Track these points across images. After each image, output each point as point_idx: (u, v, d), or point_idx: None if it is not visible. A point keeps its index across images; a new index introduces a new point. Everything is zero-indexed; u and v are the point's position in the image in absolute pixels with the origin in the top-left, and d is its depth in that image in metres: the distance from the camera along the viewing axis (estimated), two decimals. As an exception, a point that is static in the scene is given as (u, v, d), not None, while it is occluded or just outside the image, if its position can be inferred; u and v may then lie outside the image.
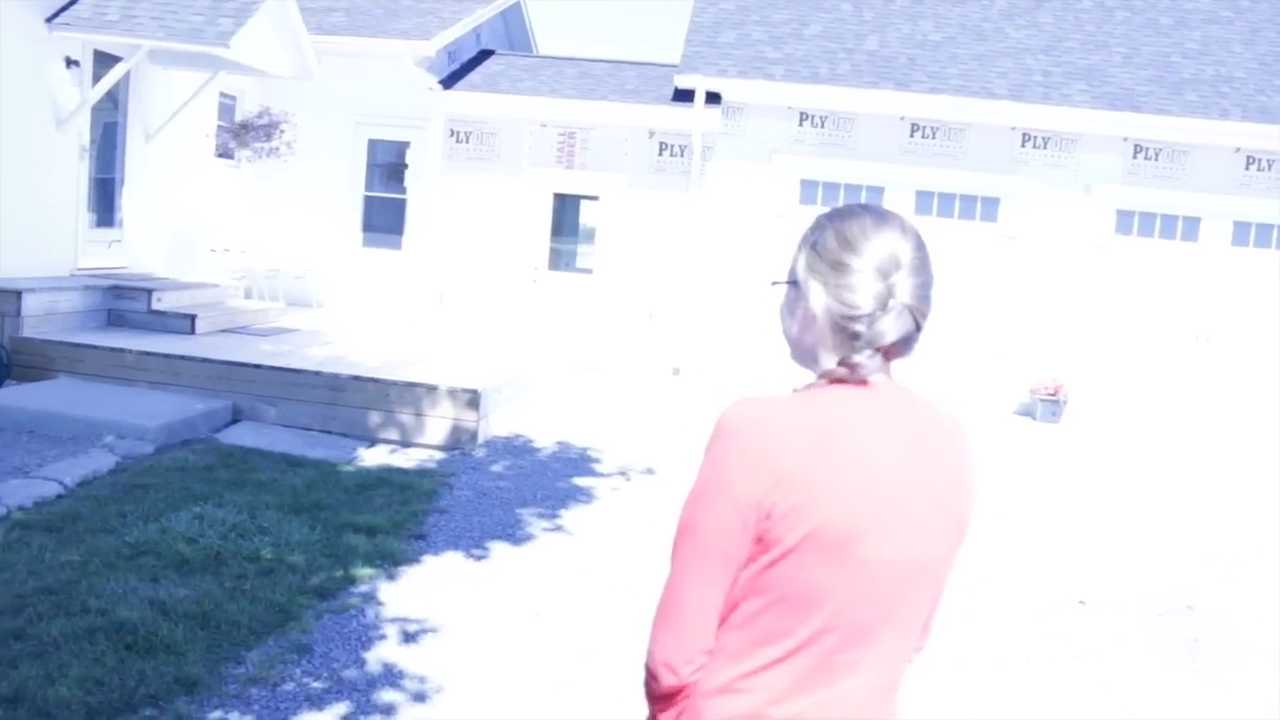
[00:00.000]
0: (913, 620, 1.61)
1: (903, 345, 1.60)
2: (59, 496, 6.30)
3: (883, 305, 1.56)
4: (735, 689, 1.52)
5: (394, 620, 4.98)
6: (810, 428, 1.51)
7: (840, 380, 1.58)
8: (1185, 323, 13.16)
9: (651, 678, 1.58)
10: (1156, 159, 13.02)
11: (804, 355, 1.70)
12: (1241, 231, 13.11)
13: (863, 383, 1.58)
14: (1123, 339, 13.17)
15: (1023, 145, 13.16)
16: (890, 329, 1.56)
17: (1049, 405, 12.63)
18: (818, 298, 1.62)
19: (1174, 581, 6.80)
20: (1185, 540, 7.86)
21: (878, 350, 1.57)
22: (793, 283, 1.69)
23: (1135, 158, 13.06)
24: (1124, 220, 13.20)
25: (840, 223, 1.63)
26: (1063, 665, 5.26)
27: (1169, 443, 11.99)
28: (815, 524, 1.46)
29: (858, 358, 1.56)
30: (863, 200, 13.23)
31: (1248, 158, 12.94)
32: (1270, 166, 12.94)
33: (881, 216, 1.63)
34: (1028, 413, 12.94)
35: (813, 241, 1.66)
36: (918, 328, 1.60)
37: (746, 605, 1.52)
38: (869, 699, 1.56)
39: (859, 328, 1.57)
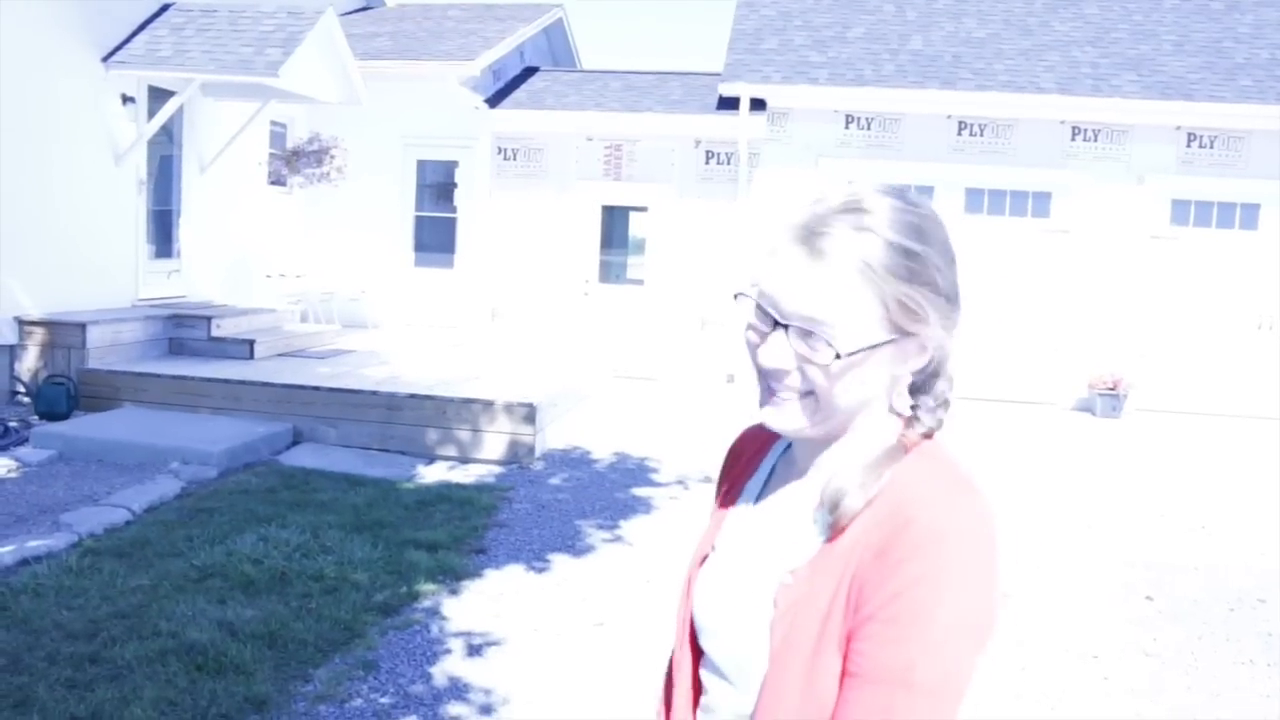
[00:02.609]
0: None
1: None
2: (128, 523, 6.44)
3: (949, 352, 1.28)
4: None
5: (458, 634, 5.02)
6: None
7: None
8: (1246, 311, 12.91)
9: None
10: (1212, 147, 12.80)
11: (840, 420, 1.25)
12: (1302, 217, 12.86)
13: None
14: (1182, 330, 12.94)
15: (1073, 139, 13.00)
16: (949, 382, 1.29)
17: (1108, 400, 12.44)
18: (935, 339, 1.24)
19: (1244, 575, 6.66)
20: (1253, 533, 7.71)
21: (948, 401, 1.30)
22: (893, 341, 1.21)
23: (1189, 146, 12.85)
24: (1180, 210, 12.98)
25: (937, 225, 1.25)
26: (1132, 662, 5.18)
27: (1232, 435, 11.76)
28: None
29: (940, 415, 1.29)
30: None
31: (1307, 141, 12.68)
32: (1330, 150, 12.67)
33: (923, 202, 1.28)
34: (1087, 408, 12.76)
35: (928, 281, 1.20)
36: None
37: None
38: None
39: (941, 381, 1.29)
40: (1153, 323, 12.94)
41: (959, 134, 13.14)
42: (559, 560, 6.20)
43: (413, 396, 8.69)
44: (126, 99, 10.59)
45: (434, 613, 5.27)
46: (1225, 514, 8.23)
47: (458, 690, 4.45)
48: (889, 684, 1.06)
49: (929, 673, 1.05)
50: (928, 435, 1.25)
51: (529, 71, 15.58)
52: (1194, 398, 12.86)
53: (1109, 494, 8.60)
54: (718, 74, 13.77)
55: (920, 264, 1.18)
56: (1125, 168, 12.91)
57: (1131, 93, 12.71)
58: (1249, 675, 5.10)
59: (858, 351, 1.17)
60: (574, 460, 8.72)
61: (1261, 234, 12.87)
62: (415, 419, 8.62)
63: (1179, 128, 12.80)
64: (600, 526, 6.90)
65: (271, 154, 13.52)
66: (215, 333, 10.37)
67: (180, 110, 11.16)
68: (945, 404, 1.27)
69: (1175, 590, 6.29)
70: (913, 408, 1.25)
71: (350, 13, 15.80)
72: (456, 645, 4.91)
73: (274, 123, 13.57)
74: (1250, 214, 12.87)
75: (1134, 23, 14.44)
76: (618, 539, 6.67)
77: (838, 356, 1.17)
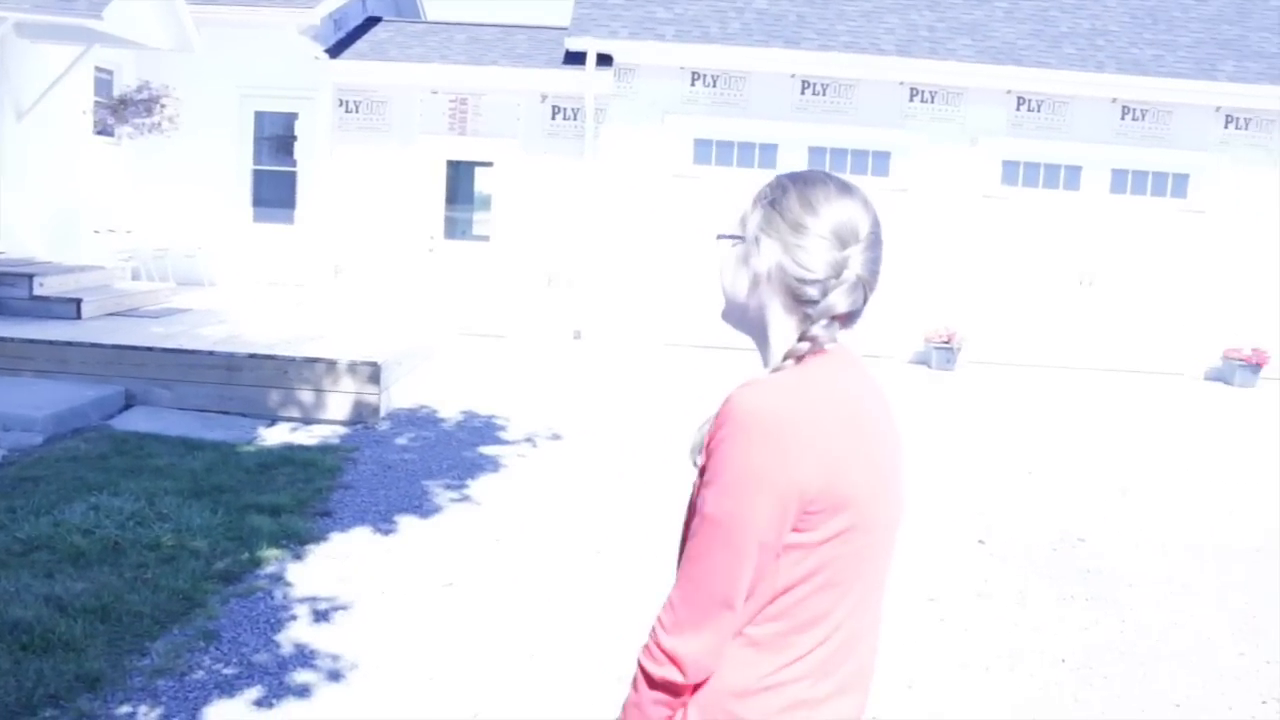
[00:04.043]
0: (888, 573, 1.68)
1: (851, 317, 1.62)
2: (-56, 494, 6.10)
3: (836, 274, 1.58)
4: (776, 683, 1.52)
5: (303, 600, 4.94)
6: (831, 405, 1.51)
7: (801, 356, 1.57)
8: (1069, 268, 13.56)
9: (675, 671, 1.50)
10: (1039, 111, 13.33)
11: (744, 316, 1.69)
12: (1119, 179, 13.53)
13: (825, 351, 1.59)
14: (1012, 286, 13.53)
15: (911, 100, 13.36)
16: (843, 300, 1.58)
17: (943, 353, 12.93)
18: (771, 255, 1.62)
19: (1066, 517, 7.05)
20: (1074, 477, 8.15)
21: (833, 320, 1.58)
22: (742, 239, 1.67)
23: (1019, 110, 13.35)
24: (1010, 171, 13.52)
25: (804, 186, 1.63)
26: (965, 603, 5.43)
27: (1058, 385, 12.37)
28: (854, 500, 1.49)
29: (817, 330, 1.57)
30: (756, 159, 13.33)
31: (1123, 108, 13.32)
32: (1144, 116, 13.34)
33: (845, 187, 1.64)
34: (923, 361, 13.24)
35: (771, 199, 1.65)
36: (865, 301, 1.62)
37: (788, 596, 1.50)
38: (873, 658, 1.66)
39: (811, 292, 1.59)
40: (985, 279, 13.47)
41: (803, 93, 13.35)
42: (406, 521, 6.15)
43: (253, 356, 8.44)
44: (-67, 41, 9.92)
45: (278, 579, 5.17)
46: (1050, 459, 8.66)
47: (304, 657, 4.39)
48: (699, 515, 1.49)
49: (717, 508, 1.46)
50: (815, 343, 1.56)
51: (371, 21, 15.17)
52: (1023, 350, 13.47)
53: (943, 444, 8.95)
54: (564, 28, 13.67)
55: (773, 198, 1.65)
56: (960, 129, 13.34)
57: (966, 56, 13.12)
58: (1070, 610, 5.41)
59: (724, 236, 1.71)
60: (420, 419, 8.63)
61: (1083, 195, 13.51)
62: (256, 379, 8.38)
63: (1009, 91, 13.28)
64: (448, 486, 6.85)
65: (98, 102, 12.84)
66: (38, 291, 9.85)
67: (-6, 54, 10.50)
68: (831, 321, 1.58)
69: (1004, 534, 6.62)
70: (807, 320, 1.59)
71: (180, -46, 15.06)
72: (302, 611, 4.82)
73: (100, 69, 12.88)
74: (1074, 175, 13.50)
75: (969, -13, 14.86)
76: (466, 499, 6.64)
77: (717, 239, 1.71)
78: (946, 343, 12.92)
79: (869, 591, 1.59)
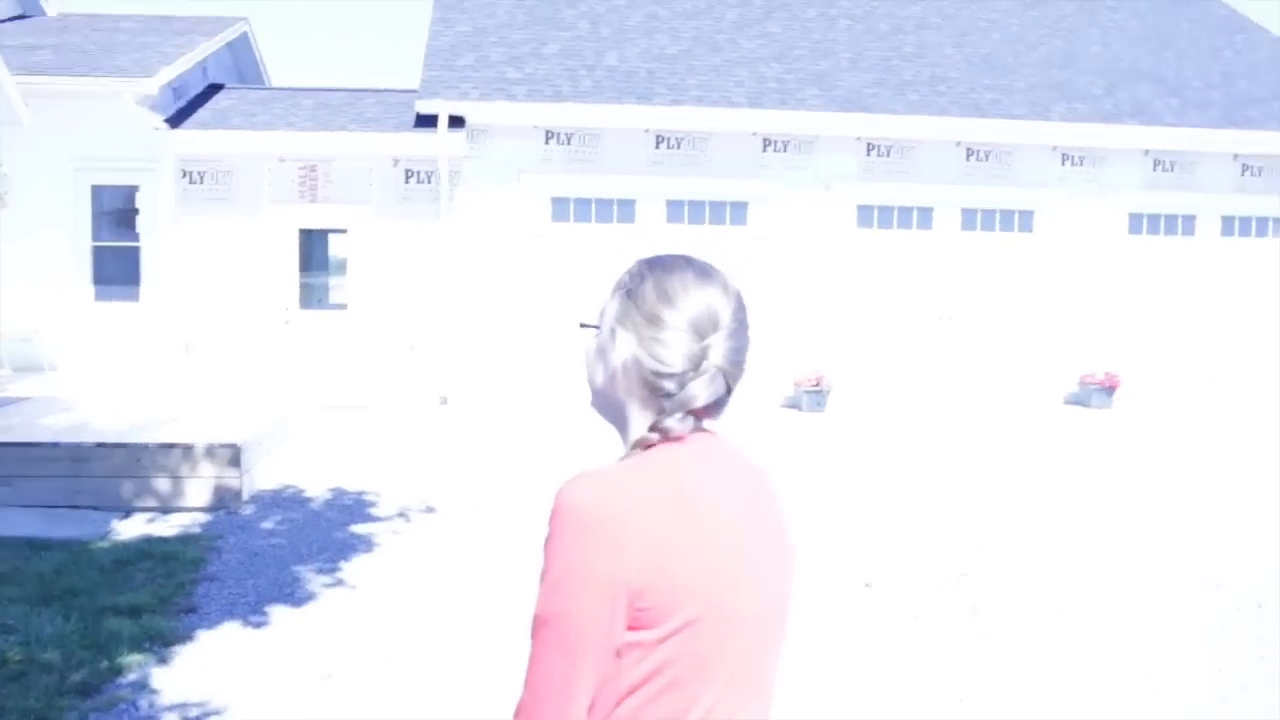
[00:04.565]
0: (776, 662, 1.56)
1: (714, 408, 1.53)
2: None
3: (695, 366, 1.49)
4: None
5: (172, 707, 4.59)
6: (662, 493, 1.41)
7: (650, 446, 1.49)
8: (929, 305, 13.91)
9: None
10: (889, 155, 13.69)
11: (608, 406, 1.61)
12: (969, 218, 13.99)
13: (682, 436, 1.49)
14: (874, 326, 13.80)
15: (764, 150, 13.56)
16: (702, 392, 1.49)
17: (814, 396, 13.06)
18: (627, 348, 1.54)
19: (949, 553, 7.11)
20: (952, 512, 8.24)
21: (689, 413, 1.49)
22: (600, 328, 1.60)
23: (869, 155, 13.69)
24: (864, 214, 13.83)
25: (661, 274, 1.55)
26: (852, 641, 5.38)
27: (927, 419, 12.60)
28: (695, 592, 1.38)
29: (669, 422, 1.48)
30: (614, 214, 13.33)
31: (968, 150, 13.80)
32: (988, 157, 13.84)
33: (704, 272, 1.56)
34: (794, 405, 13.34)
35: (628, 289, 1.58)
36: (729, 390, 1.53)
37: (635, 696, 1.39)
38: None
39: (669, 386, 1.50)
40: (849, 321, 13.72)
41: (657, 147, 13.43)
42: (278, 612, 5.81)
43: (101, 445, 7.95)
44: None
45: (142, 686, 4.79)
46: (926, 496, 8.75)
47: (174, 772, 4.06)
48: (533, 618, 1.41)
49: (545, 608, 1.38)
50: (665, 435, 1.47)
51: (213, 89, 14.75)
52: (891, 388, 13.71)
53: (821, 487, 8.97)
54: (414, 91, 13.50)
55: (630, 287, 1.57)
56: (814, 175, 13.60)
57: (815, 106, 13.41)
58: (961, 646, 5.39)
59: (585, 325, 1.63)
60: (286, 501, 8.24)
61: (936, 234, 13.91)
62: (106, 470, 7.89)
63: (859, 138, 13.61)
64: (320, 570, 6.52)
65: (-83, 182, 12.11)
66: None
67: None
68: (687, 414, 1.49)
69: (890, 573, 6.61)
70: (661, 413, 1.49)
71: (2, 21, 14.42)
72: (170, 720, 4.48)
73: (-81, 147, 12.18)
74: (925, 216, 13.90)
75: (813, 41, 15.25)
76: (340, 582, 6.32)
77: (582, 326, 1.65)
78: (816, 386, 13.06)
79: (740, 688, 1.46)
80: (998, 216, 14.03)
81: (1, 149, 12.30)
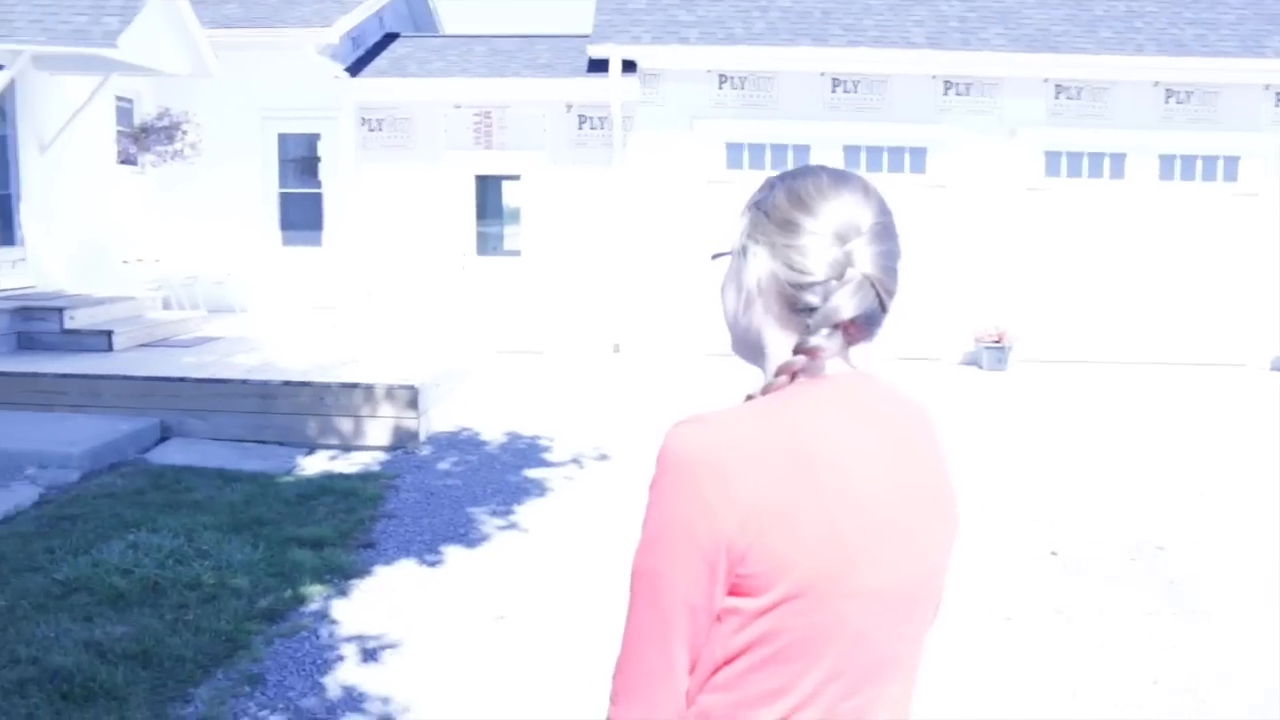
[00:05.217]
0: (918, 643, 1.39)
1: (865, 326, 1.35)
2: (-22, 537, 5.92)
3: (839, 274, 1.32)
4: None
5: (350, 639, 4.71)
6: (779, 447, 1.26)
7: (797, 373, 1.33)
8: (1120, 259, 13.17)
9: None
10: (1079, 98, 12.99)
11: (745, 341, 1.45)
12: (1167, 165, 13.15)
13: (824, 376, 1.34)
14: (1061, 280, 13.15)
15: (945, 93, 13.05)
16: (848, 302, 1.31)
17: (994, 353, 12.59)
18: (761, 263, 1.38)
19: (1141, 523, 6.72)
20: (1146, 479, 7.81)
21: (836, 328, 1.32)
22: (733, 253, 1.45)
23: (1058, 98, 13.02)
24: (1052, 161, 13.17)
25: (792, 181, 1.41)
26: (1045, 622, 5.13)
27: (1115, 380, 12.00)
28: (803, 564, 1.23)
29: (815, 339, 1.31)
30: (789, 160, 13.06)
31: (1167, 91, 12.96)
32: (1189, 99, 12.97)
33: (840, 176, 1.39)
34: (974, 362, 12.90)
35: (757, 200, 1.43)
36: (882, 307, 1.35)
37: (733, 666, 1.27)
38: None
39: (811, 298, 1.33)
40: (1032, 274, 13.12)
41: (833, 91, 13.08)
42: (452, 552, 5.91)
43: (287, 384, 8.24)
44: (-48, 75, 9.81)
45: (323, 616, 4.94)
46: (1116, 461, 8.33)
47: (353, 701, 4.16)
48: (631, 569, 1.32)
49: (641, 564, 1.30)
50: (814, 355, 1.32)
51: (390, 38, 15.02)
52: (1077, 346, 13.10)
53: (1002, 449, 8.64)
54: (586, 36, 13.45)
55: (759, 198, 1.44)
56: (998, 120, 13.02)
57: (1000, 45, 12.81)
58: (1157, 626, 5.10)
59: (718, 255, 1.50)
60: (462, 443, 8.39)
61: (1129, 182, 13.15)
62: (292, 407, 8.18)
63: (1047, 80, 12.95)
64: (494, 513, 6.61)
65: (120, 131, 12.73)
66: (69, 324, 9.71)
67: (12, 86, 10.35)
68: (834, 329, 1.32)
69: (1078, 543, 6.30)
70: (805, 332, 1.33)
71: (197, -20, 14.96)
72: (349, 651, 4.59)
73: (120, 98, 12.78)
74: (1118, 163, 13.14)
75: (998, -24, 14.55)
76: (513, 525, 6.39)
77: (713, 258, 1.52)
78: (997, 342, 12.58)
79: (858, 672, 1.29)
80: (1199, 163, 13.15)
81: (194, 100, 12.83)
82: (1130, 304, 13.16)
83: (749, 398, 1.36)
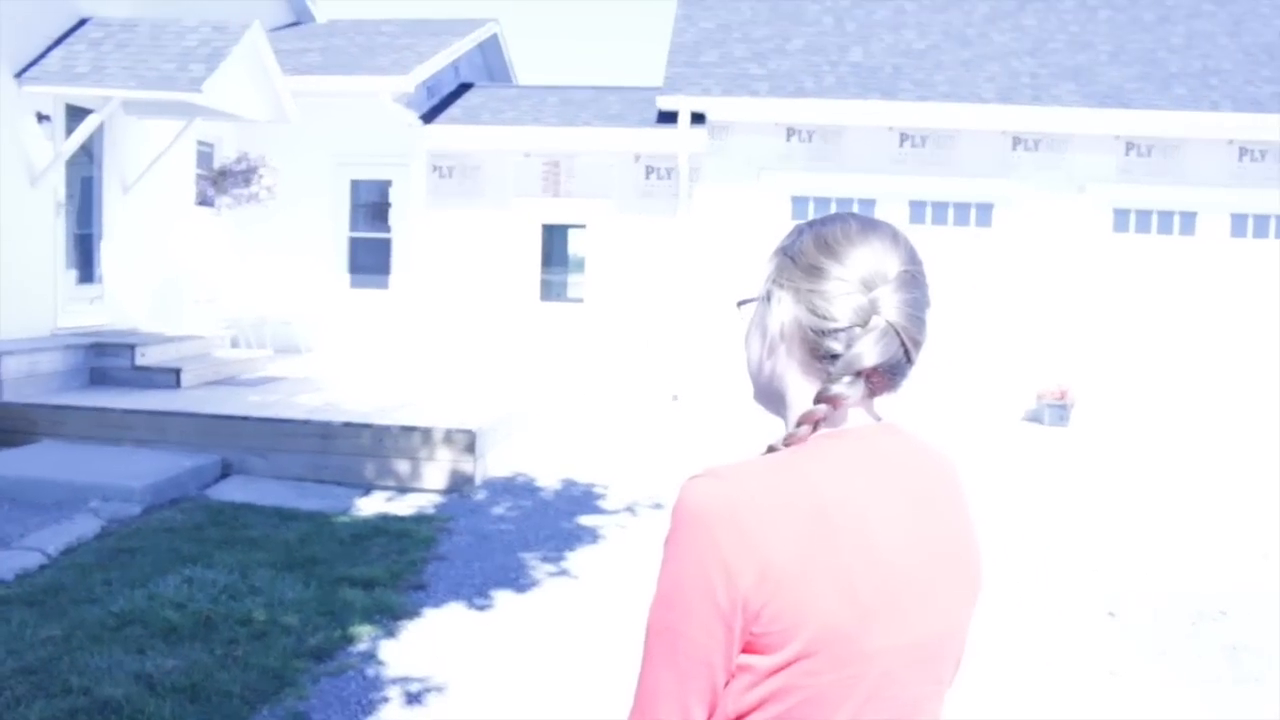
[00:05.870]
0: (937, 702, 1.35)
1: (889, 375, 1.33)
2: (42, 567, 6.05)
3: (863, 321, 1.30)
4: None
5: (396, 681, 4.71)
6: (796, 502, 1.24)
7: (819, 423, 1.31)
8: (1189, 317, 12.93)
9: None
10: (1150, 155, 12.83)
11: (768, 390, 1.45)
12: (1239, 223, 12.93)
13: (847, 428, 1.33)
14: (1126, 338, 12.93)
15: (1014, 148, 12.97)
16: (871, 350, 1.29)
17: (1056, 410, 12.38)
18: (785, 309, 1.37)
19: (1203, 586, 6.53)
20: (1209, 542, 7.60)
21: (858, 376, 1.30)
22: (759, 299, 1.44)
23: (1128, 155, 12.88)
24: (1120, 218, 13.01)
25: (821, 226, 1.40)
26: (1098, 683, 4.99)
27: (1180, 440, 11.73)
28: (818, 621, 1.20)
29: (836, 387, 1.30)
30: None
31: (1240, 149, 12.77)
32: (1264, 157, 12.77)
33: (869, 223, 1.38)
34: (1036, 419, 12.69)
35: (785, 246, 1.43)
36: (908, 357, 1.33)
37: None
38: None
39: (834, 345, 1.31)
40: (1098, 331, 12.92)
41: (901, 145, 13.06)
42: (502, 596, 5.90)
43: (348, 425, 8.34)
44: (42, 117, 10.14)
45: (370, 657, 4.96)
46: (1179, 522, 8.12)
47: (396, 743, 4.15)
48: (646, 624, 1.29)
49: (657, 619, 1.26)
50: (834, 404, 1.30)
51: (464, 88, 15.29)
52: (1142, 404, 12.83)
53: (1059, 504, 8.46)
54: (657, 88, 13.58)
55: (786, 244, 1.43)
56: (1067, 176, 12.91)
57: (1071, 101, 12.72)
58: (1213, 694, 4.93)
59: (744, 302, 1.50)
60: (517, 488, 8.41)
61: (1199, 240, 12.93)
62: (351, 448, 8.27)
63: (1118, 136, 12.83)
64: (545, 559, 6.60)
65: (198, 174, 13.08)
66: (140, 361, 9.94)
67: (100, 129, 10.71)
68: (856, 377, 1.30)
69: (1136, 604, 6.14)
70: (829, 381, 1.31)
71: (279, 29, 15.39)
72: (394, 693, 4.60)
73: (200, 142, 13.14)
74: (1188, 221, 12.94)
75: (1070, 34, 14.48)
76: (564, 572, 6.38)
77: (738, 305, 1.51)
78: (1060, 399, 12.37)
79: None
80: (1273, 222, 12.90)
81: (271, 144, 13.15)
82: (1198, 362, 12.88)
83: (770, 449, 1.34)
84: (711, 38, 14.42)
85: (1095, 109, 12.62)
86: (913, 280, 1.34)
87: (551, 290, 14.15)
